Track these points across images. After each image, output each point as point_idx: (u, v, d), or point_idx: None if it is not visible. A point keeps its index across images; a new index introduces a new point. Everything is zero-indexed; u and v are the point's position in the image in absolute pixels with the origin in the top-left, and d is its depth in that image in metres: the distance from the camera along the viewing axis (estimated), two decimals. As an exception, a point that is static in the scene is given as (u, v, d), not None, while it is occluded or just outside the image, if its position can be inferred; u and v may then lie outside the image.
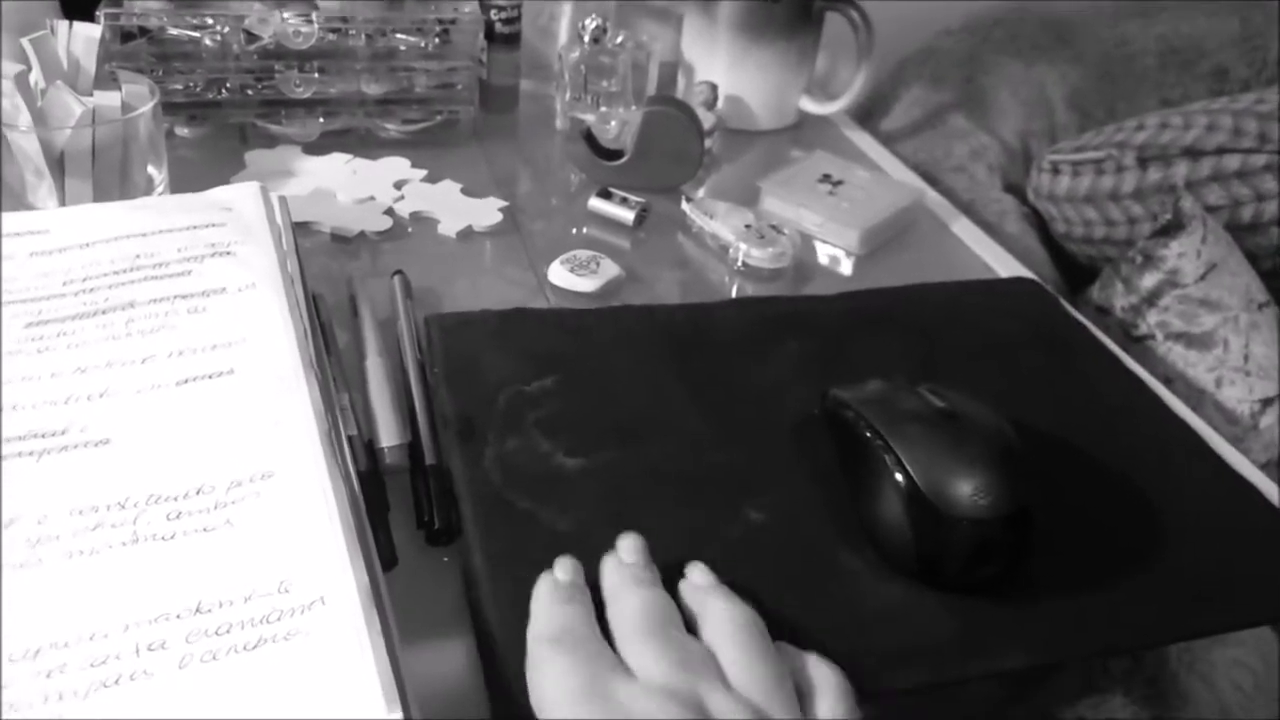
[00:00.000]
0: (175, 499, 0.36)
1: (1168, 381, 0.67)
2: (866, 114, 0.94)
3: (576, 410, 0.48)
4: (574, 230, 0.67)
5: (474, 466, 0.44)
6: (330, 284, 0.57)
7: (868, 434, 0.42)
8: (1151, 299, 0.70)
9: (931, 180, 0.82)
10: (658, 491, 0.44)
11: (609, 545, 0.41)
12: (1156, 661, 0.54)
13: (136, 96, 0.59)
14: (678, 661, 0.34)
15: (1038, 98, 0.93)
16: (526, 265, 0.62)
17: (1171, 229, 0.71)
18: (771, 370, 0.53)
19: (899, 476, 0.40)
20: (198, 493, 0.37)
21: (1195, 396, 0.67)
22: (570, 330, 0.53)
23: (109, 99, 0.58)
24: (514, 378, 0.49)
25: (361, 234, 0.63)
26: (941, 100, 0.93)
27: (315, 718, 0.29)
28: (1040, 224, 0.86)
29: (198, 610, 0.32)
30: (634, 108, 0.74)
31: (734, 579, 0.40)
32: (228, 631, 0.32)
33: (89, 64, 0.59)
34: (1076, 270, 0.84)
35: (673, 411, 0.49)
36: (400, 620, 0.35)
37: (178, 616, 0.32)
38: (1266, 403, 0.65)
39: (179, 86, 0.70)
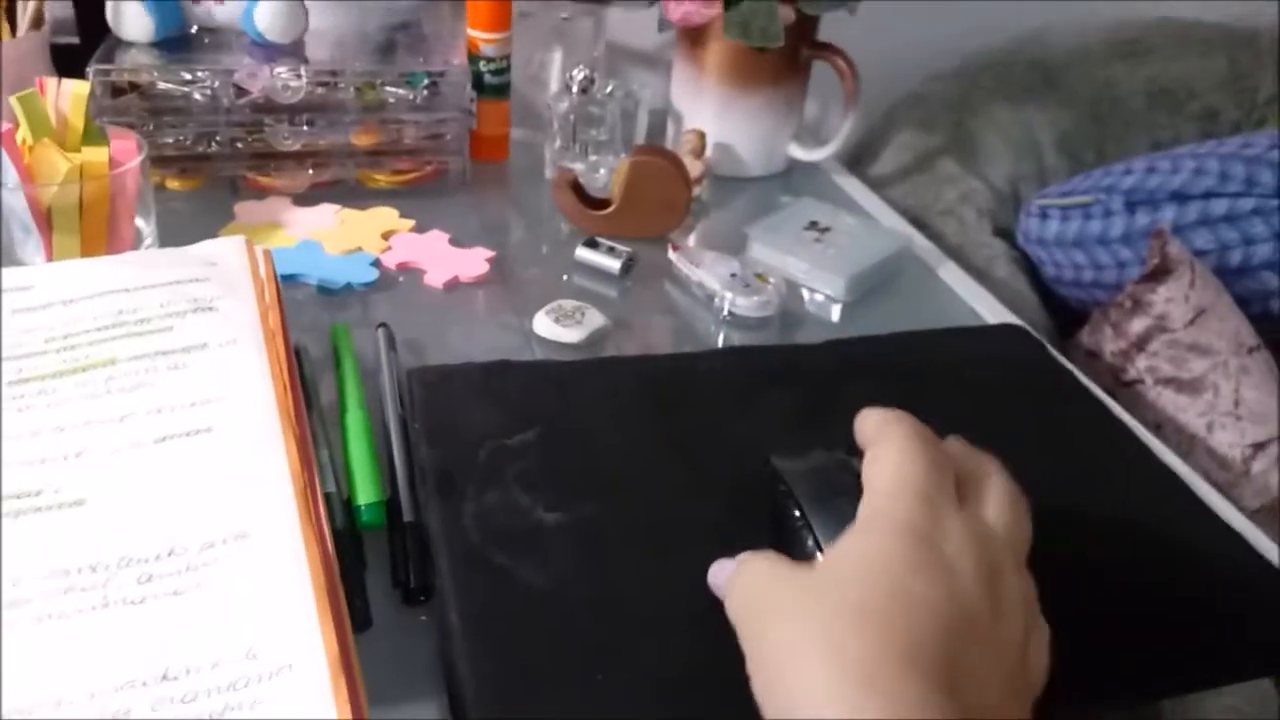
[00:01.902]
0: (147, 561, 0.36)
1: (1157, 427, 0.66)
2: (856, 159, 0.94)
3: (557, 464, 0.48)
4: (562, 279, 0.67)
5: (452, 522, 0.44)
6: (316, 336, 0.57)
7: (795, 512, 0.40)
8: (1140, 344, 0.70)
9: (921, 225, 0.82)
10: (637, 547, 0.44)
11: (588, 603, 0.41)
12: (1150, 714, 0.53)
13: (124, 151, 0.59)
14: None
15: (1027, 141, 0.94)
16: (513, 315, 0.62)
17: (1159, 274, 0.71)
18: (756, 422, 0.52)
19: (818, 557, 0.38)
20: (170, 554, 0.36)
21: (1186, 442, 0.66)
22: (553, 382, 0.53)
23: (97, 154, 0.59)
24: (496, 431, 0.49)
25: (348, 286, 0.63)
26: (930, 145, 0.93)
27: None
28: (1030, 268, 0.86)
29: (164, 677, 0.32)
30: (623, 156, 0.75)
31: (717, 635, 0.40)
32: (194, 700, 0.32)
33: (77, 120, 0.59)
34: (1067, 314, 0.84)
35: (655, 464, 0.49)
36: (373, 681, 0.35)
37: (144, 684, 0.32)
38: (1258, 447, 0.65)
39: (170, 140, 0.70)
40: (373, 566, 0.43)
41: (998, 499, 0.37)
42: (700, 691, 0.38)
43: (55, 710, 0.31)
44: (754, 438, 0.51)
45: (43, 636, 0.33)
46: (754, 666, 0.34)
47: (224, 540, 0.37)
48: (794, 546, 0.39)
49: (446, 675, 0.39)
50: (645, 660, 0.39)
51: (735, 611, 0.36)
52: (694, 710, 0.37)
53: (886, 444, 0.38)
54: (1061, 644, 0.40)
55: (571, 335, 0.59)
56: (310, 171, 0.72)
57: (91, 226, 0.58)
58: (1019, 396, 0.57)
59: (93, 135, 0.60)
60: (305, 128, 0.71)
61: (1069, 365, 0.61)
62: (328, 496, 0.44)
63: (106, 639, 0.33)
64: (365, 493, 0.45)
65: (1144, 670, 0.43)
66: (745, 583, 0.37)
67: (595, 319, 0.60)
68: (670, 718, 0.37)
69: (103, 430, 0.42)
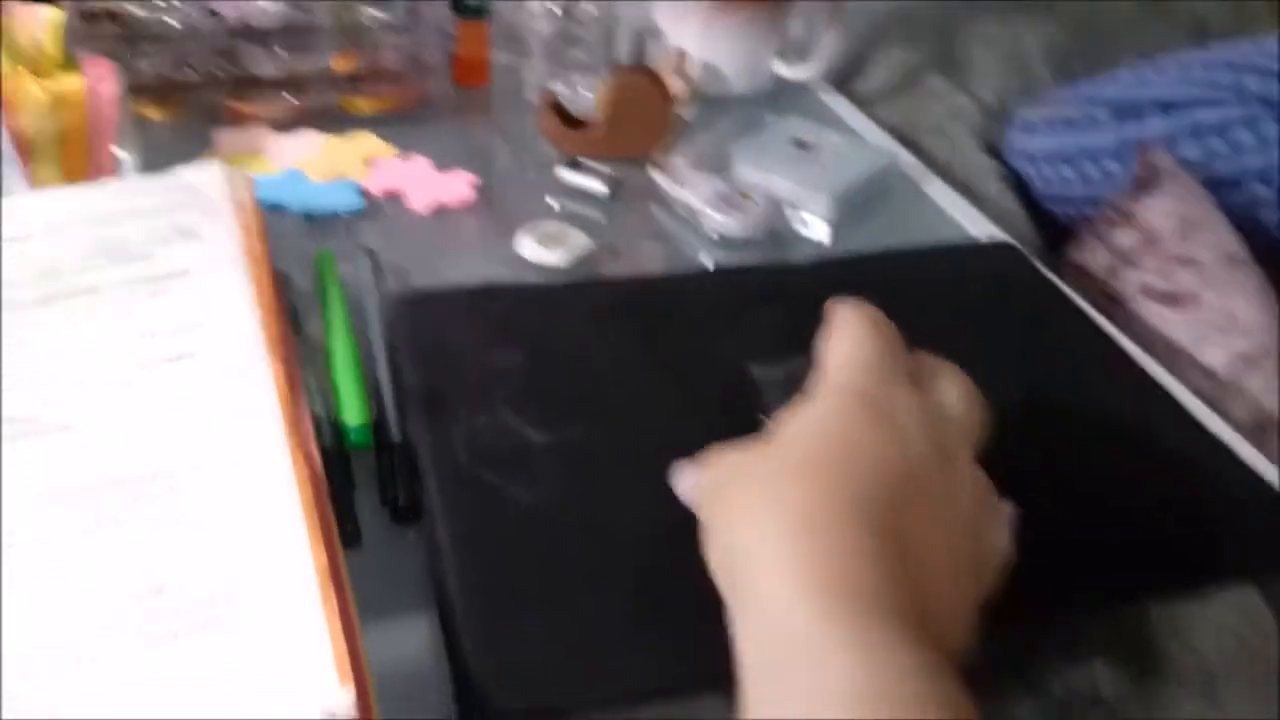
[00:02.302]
0: (135, 482, 0.36)
1: (1146, 342, 0.66)
2: (844, 77, 0.93)
3: (545, 385, 0.48)
4: (546, 202, 0.66)
5: (440, 443, 0.44)
6: (302, 265, 0.57)
7: (763, 417, 0.40)
8: (1128, 258, 0.70)
9: (909, 143, 0.81)
10: (626, 464, 0.44)
11: (576, 520, 0.42)
12: (1136, 626, 0.54)
13: (101, 80, 0.59)
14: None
15: (1015, 55, 0.92)
16: (498, 239, 0.62)
17: (1146, 186, 0.71)
18: (743, 342, 0.52)
19: None
20: (158, 476, 0.37)
21: (1174, 356, 0.67)
22: (539, 305, 0.53)
23: (73, 83, 0.58)
24: (483, 354, 0.49)
25: (333, 213, 0.63)
26: (918, 61, 0.92)
27: (269, 697, 0.30)
28: (1019, 184, 0.85)
29: (157, 590, 0.33)
30: (605, 77, 0.74)
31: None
32: (184, 612, 0.32)
33: (52, 48, 0.58)
34: (1056, 230, 0.84)
35: (643, 384, 0.49)
36: (364, 597, 0.35)
37: (137, 596, 0.32)
38: (1246, 360, 0.65)
39: (146, 68, 0.69)
40: (362, 487, 0.44)
41: (952, 388, 0.38)
42: (685, 609, 0.38)
43: (50, 627, 0.32)
44: (741, 357, 0.51)
45: (35, 557, 0.34)
46: (708, 535, 0.34)
47: (210, 461, 0.37)
48: None
49: (436, 591, 0.39)
50: (632, 578, 0.39)
51: (697, 497, 0.37)
52: (680, 627, 0.37)
53: (841, 326, 0.38)
54: (1045, 549, 0.41)
55: (555, 257, 0.59)
56: (291, 98, 0.71)
57: (71, 156, 0.58)
58: (1008, 314, 0.57)
59: (68, 64, 0.59)
60: (284, 53, 0.70)
61: (1058, 282, 0.61)
62: (315, 418, 0.44)
63: (99, 556, 0.34)
64: (352, 414, 0.45)
65: (1126, 575, 0.43)
66: (706, 470, 0.37)
67: (579, 241, 0.60)
68: (656, 634, 0.38)
69: (88, 357, 0.42)
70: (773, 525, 0.31)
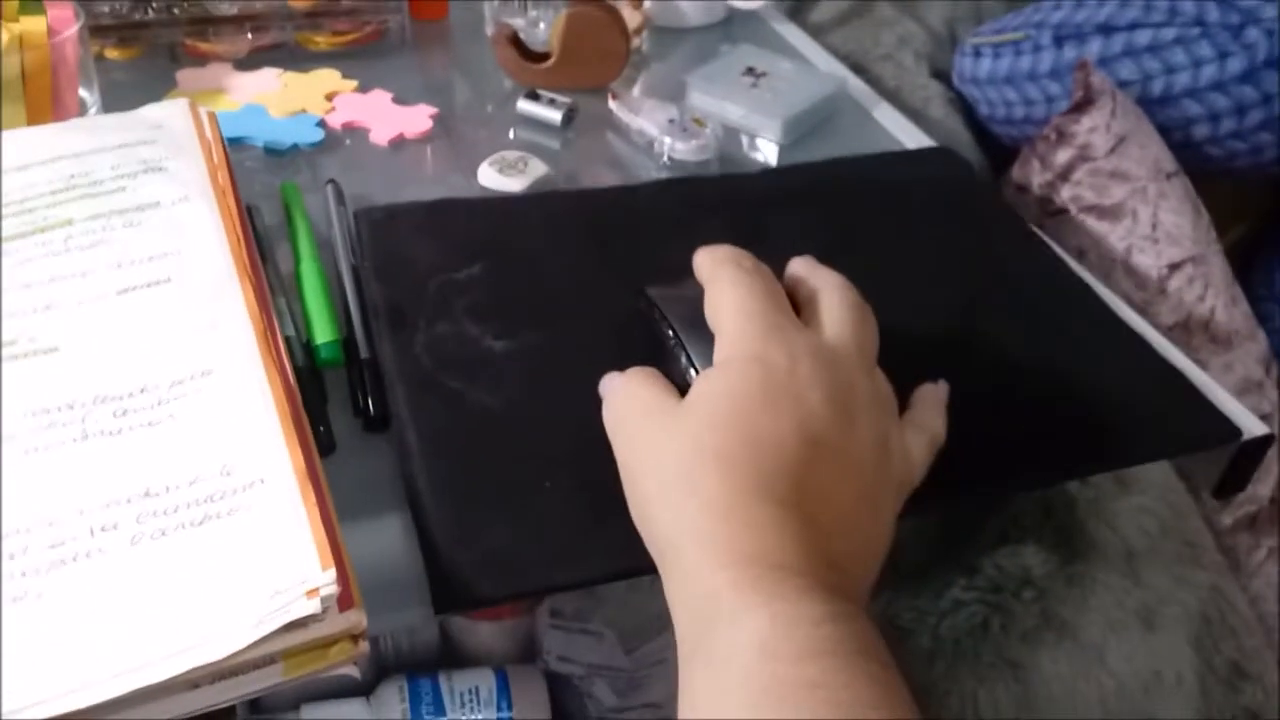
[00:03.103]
0: (121, 398, 0.39)
1: (1081, 253, 0.70)
2: (797, 7, 0.95)
3: (504, 295, 0.50)
4: (505, 133, 0.68)
5: (405, 352, 0.46)
6: (267, 201, 0.58)
7: (669, 332, 0.42)
8: (1065, 174, 0.73)
9: (859, 70, 0.84)
10: (582, 368, 0.46)
11: (536, 420, 0.44)
12: (1065, 511, 0.58)
13: (62, 20, 0.60)
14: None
15: (963, -18, 0.95)
16: (458, 169, 0.64)
17: (1083, 105, 0.74)
18: (693, 247, 0.55)
19: (692, 374, 0.41)
20: (141, 391, 0.39)
21: (1107, 265, 0.70)
22: (497, 218, 0.56)
23: (35, 24, 0.59)
24: (443, 266, 0.51)
25: (295, 147, 0.64)
26: (869, -12, 0.94)
27: (257, 582, 0.33)
28: (966, 108, 0.88)
29: (146, 494, 0.35)
30: (561, 9, 0.75)
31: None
32: (175, 511, 0.35)
33: (12, -11, 0.59)
34: (1002, 152, 0.87)
35: (597, 292, 0.51)
36: (341, 498, 0.38)
37: (128, 501, 0.35)
38: (1174, 267, 0.68)
39: (105, 8, 0.70)
40: (334, 401, 0.46)
41: (836, 314, 0.40)
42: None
43: (49, 527, 0.34)
44: (691, 263, 0.54)
45: (30, 467, 0.36)
46: (628, 493, 0.38)
47: (191, 377, 0.40)
48: (671, 365, 0.42)
49: (408, 492, 0.42)
50: (589, 471, 0.42)
51: (609, 425, 0.41)
52: (625, 511, 0.40)
53: (720, 285, 0.40)
54: (974, 434, 0.44)
55: (515, 184, 0.61)
56: (249, 35, 0.73)
57: (36, 97, 0.59)
58: (945, 215, 0.60)
59: (30, 5, 0.60)
60: (241, -9, 0.71)
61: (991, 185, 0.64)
62: (287, 339, 0.46)
63: (89, 466, 0.36)
64: (322, 332, 0.47)
65: (1051, 455, 0.47)
66: (621, 402, 0.40)
67: (538, 168, 0.62)
68: (611, 523, 0.40)
69: (67, 285, 0.44)
70: (689, 514, 0.35)
